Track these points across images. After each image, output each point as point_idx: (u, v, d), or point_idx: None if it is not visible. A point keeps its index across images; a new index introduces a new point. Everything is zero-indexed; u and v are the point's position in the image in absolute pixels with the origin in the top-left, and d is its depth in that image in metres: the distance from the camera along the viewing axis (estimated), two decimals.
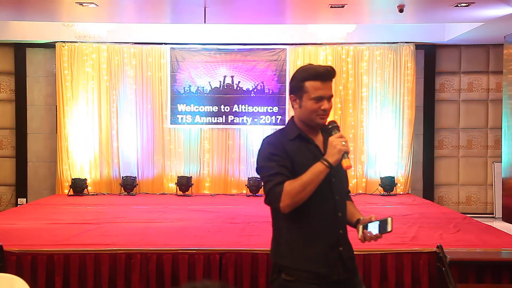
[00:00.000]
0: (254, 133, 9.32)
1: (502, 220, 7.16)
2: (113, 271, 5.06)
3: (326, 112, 2.45)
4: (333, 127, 2.44)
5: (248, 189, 8.96)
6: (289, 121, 2.62)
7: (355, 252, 2.63)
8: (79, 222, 6.48)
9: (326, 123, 2.50)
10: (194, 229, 6.07)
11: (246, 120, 9.26)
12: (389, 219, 2.39)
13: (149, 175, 9.29)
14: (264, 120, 9.26)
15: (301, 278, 2.45)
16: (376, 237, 2.38)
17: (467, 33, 8.33)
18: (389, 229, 2.37)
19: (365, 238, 2.39)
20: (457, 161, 9.46)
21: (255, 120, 9.26)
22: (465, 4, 6.66)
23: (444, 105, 9.46)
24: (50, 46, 9.25)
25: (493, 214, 9.13)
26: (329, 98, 2.45)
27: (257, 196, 8.80)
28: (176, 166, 9.27)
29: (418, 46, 9.26)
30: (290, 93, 2.56)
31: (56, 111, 9.26)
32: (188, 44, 9.20)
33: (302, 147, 2.48)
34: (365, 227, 2.40)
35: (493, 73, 9.30)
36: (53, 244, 5.28)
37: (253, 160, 9.16)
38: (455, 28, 8.50)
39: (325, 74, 2.44)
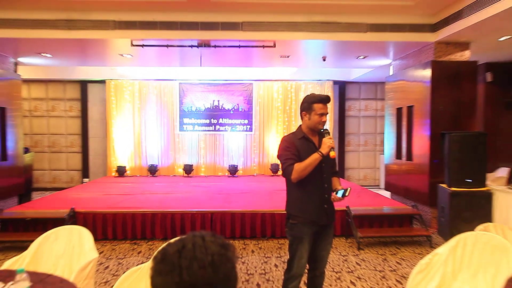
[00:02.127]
0: (232, 137, 9.33)
1: (384, 189, 7.36)
2: (143, 224, 5.17)
3: (324, 123, 2.61)
4: (326, 132, 2.61)
5: (228, 172, 9.05)
6: (298, 128, 2.72)
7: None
8: (121, 193, 6.55)
9: (322, 130, 2.66)
10: (195, 198, 6.15)
11: (227, 128, 9.29)
12: (349, 189, 2.57)
13: (166, 163, 9.27)
14: (239, 128, 9.29)
15: (301, 221, 2.60)
16: (339, 199, 2.57)
17: (364, 74, 8.54)
18: (346, 194, 2.55)
19: (333, 199, 2.59)
20: (358, 153, 9.67)
21: (233, 128, 9.29)
22: (362, 57, 6.85)
23: (350, 119, 9.62)
24: (102, 82, 9.21)
25: (379, 186, 9.42)
26: (326, 114, 2.61)
27: (234, 177, 8.91)
28: (183, 158, 9.27)
29: (335, 82, 9.39)
30: (302, 110, 2.65)
31: (106, 124, 9.22)
32: (190, 80, 9.20)
33: (305, 144, 2.63)
34: (336, 192, 2.59)
35: (379, 99, 9.52)
36: (105, 207, 5.37)
37: (232, 154, 9.29)
38: (357, 71, 8.67)
39: (326, 100, 2.60)
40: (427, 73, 5.71)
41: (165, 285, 0.81)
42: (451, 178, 5.10)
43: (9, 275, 2.01)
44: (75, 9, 5.25)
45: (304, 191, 2.60)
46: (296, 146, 2.59)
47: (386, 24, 5.47)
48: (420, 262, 2.60)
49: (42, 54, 6.55)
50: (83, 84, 9.28)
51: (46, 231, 2.80)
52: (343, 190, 2.56)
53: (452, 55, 5.69)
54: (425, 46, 5.84)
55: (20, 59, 6.91)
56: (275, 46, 5.78)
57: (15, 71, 6.90)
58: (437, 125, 5.65)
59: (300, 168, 2.50)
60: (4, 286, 1.86)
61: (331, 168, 2.71)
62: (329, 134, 2.59)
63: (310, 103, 2.60)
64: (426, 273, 2.56)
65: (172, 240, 0.89)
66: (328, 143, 2.51)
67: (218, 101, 9.28)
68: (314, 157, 2.50)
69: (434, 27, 5.54)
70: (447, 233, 4.98)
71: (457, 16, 5.04)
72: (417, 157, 6.06)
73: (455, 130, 5.44)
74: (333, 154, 2.54)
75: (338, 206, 2.82)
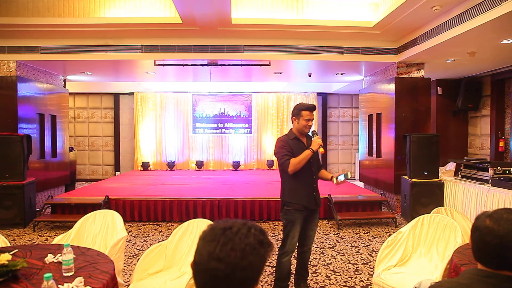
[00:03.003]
0: (235, 138, 9.28)
1: (359, 180, 7.35)
2: (163, 210, 5.12)
3: (310, 126, 2.59)
4: (314, 133, 2.60)
5: (232, 167, 9.01)
6: (289, 130, 2.66)
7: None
8: (146, 184, 6.52)
9: (310, 132, 2.63)
10: (205, 188, 6.13)
11: (231, 131, 9.25)
12: (349, 172, 2.52)
13: (181, 160, 9.23)
14: (241, 131, 9.26)
15: (294, 207, 2.56)
16: (341, 182, 2.51)
17: (342, 88, 8.51)
18: (349, 176, 2.49)
19: (337, 183, 2.52)
20: (338, 152, 9.61)
21: (236, 131, 9.25)
22: (340, 73, 6.83)
23: (332, 124, 9.57)
24: (131, 94, 9.19)
25: (355, 178, 9.28)
26: (312, 120, 2.58)
27: (237, 171, 8.84)
28: (195, 155, 9.23)
29: (319, 94, 9.36)
30: (292, 116, 2.62)
31: (134, 127, 9.19)
32: (201, 92, 9.17)
33: (296, 143, 2.59)
34: (337, 177, 2.52)
35: (354, 108, 9.49)
36: (133, 195, 5.34)
37: (235, 152, 9.23)
38: (336, 85, 8.64)
39: (312, 108, 2.58)
40: (392, 87, 5.74)
41: (202, 249, 0.80)
42: (411, 171, 5.12)
43: (58, 248, 2.05)
44: (111, 37, 5.30)
45: (297, 182, 2.57)
46: (290, 145, 2.57)
47: (359, 47, 5.50)
48: (387, 239, 2.61)
49: (84, 72, 6.59)
50: (116, 96, 9.27)
51: (86, 214, 2.79)
52: (343, 175, 2.50)
53: (411, 73, 5.72)
54: (390, 65, 5.85)
55: (68, 77, 6.99)
56: (270, 65, 5.79)
57: (64, 86, 6.95)
58: (400, 129, 5.67)
59: (295, 161, 2.48)
60: (54, 257, 1.89)
61: (318, 163, 2.70)
62: (317, 135, 2.60)
63: (299, 110, 2.58)
64: (392, 248, 2.58)
65: (228, 219, 0.87)
66: (318, 142, 2.51)
67: (224, 109, 9.26)
68: (307, 153, 2.49)
69: (396, 51, 5.57)
70: (409, 215, 4.98)
71: (413, 42, 5.09)
72: (385, 154, 6.06)
73: (414, 133, 5.46)
74: (322, 150, 2.52)
75: (321, 194, 2.80)
